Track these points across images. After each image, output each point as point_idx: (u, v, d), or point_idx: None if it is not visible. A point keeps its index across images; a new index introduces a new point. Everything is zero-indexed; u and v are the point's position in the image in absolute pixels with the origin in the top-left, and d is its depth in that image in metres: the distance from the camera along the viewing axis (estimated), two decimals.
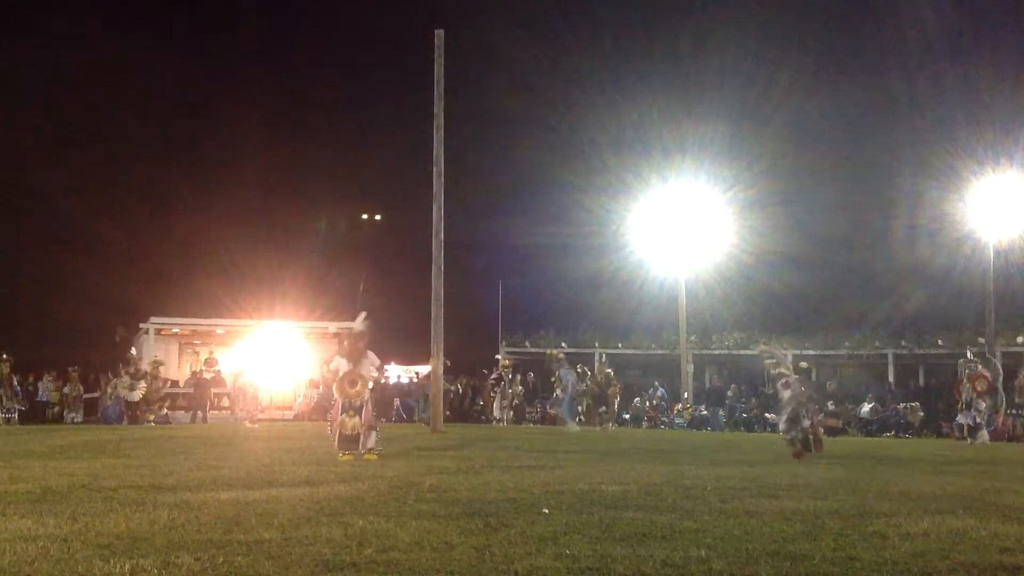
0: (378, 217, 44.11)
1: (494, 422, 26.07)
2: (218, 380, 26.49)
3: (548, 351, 26.31)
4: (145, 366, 24.68)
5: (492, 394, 27.36)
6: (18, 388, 23.10)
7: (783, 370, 12.46)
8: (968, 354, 20.26)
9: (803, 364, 14.07)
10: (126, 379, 23.93)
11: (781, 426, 12.40)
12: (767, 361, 12.79)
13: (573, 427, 21.80)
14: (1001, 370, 19.37)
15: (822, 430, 12.19)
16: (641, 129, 37.80)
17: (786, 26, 44.71)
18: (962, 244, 28.78)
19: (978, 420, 19.25)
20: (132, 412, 23.59)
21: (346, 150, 48.00)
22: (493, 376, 28.40)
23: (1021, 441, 19.55)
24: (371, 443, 11.43)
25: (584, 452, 13.12)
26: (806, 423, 11.96)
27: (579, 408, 23.98)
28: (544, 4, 56.12)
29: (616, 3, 55.66)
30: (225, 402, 26.08)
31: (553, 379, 24.31)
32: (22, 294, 38.24)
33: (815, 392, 13.54)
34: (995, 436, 20.36)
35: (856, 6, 49.05)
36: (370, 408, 11.69)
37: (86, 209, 38.44)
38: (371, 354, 11.82)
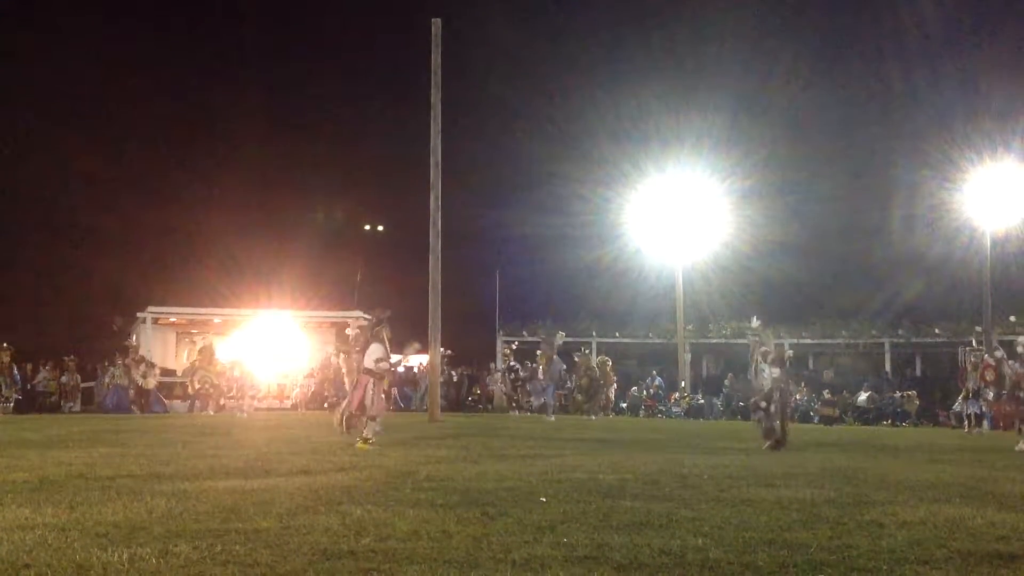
0: (380, 228, 43.96)
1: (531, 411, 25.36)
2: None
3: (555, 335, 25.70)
4: (144, 353, 24.85)
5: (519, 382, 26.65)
6: (17, 377, 23.12)
7: (768, 349, 12.48)
8: (973, 343, 20.26)
9: (790, 352, 14.08)
10: (142, 367, 24.03)
11: (756, 411, 12.40)
12: (752, 339, 12.83)
13: (550, 417, 21.79)
14: (1006, 358, 19.38)
15: (790, 425, 12.25)
16: (639, 119, 37.72)
17: (783, 16, 44.68)
18: (959, 233, 28.77)
19: (984, 409, 19.30)
20: (142, 400, 23.78)
21: (343, 140, 47.88)
22: (502, 366, 28.41)
23: (1008, 429, 19.58)
24: (368, 432, 11.44)
25: (581, 441, 13.14)
26: (775, 413, 11.97)
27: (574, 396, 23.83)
28: None
29: None
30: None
31: (539, 356, 24.09)
32: (19, 284, 38.14)
33: (793, 383, 13.53)
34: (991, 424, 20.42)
35: None
36: (371, 395, 11.68)
37: (83, 199, 38.45)
38: (377, 346, 11.88)
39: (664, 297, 32.59)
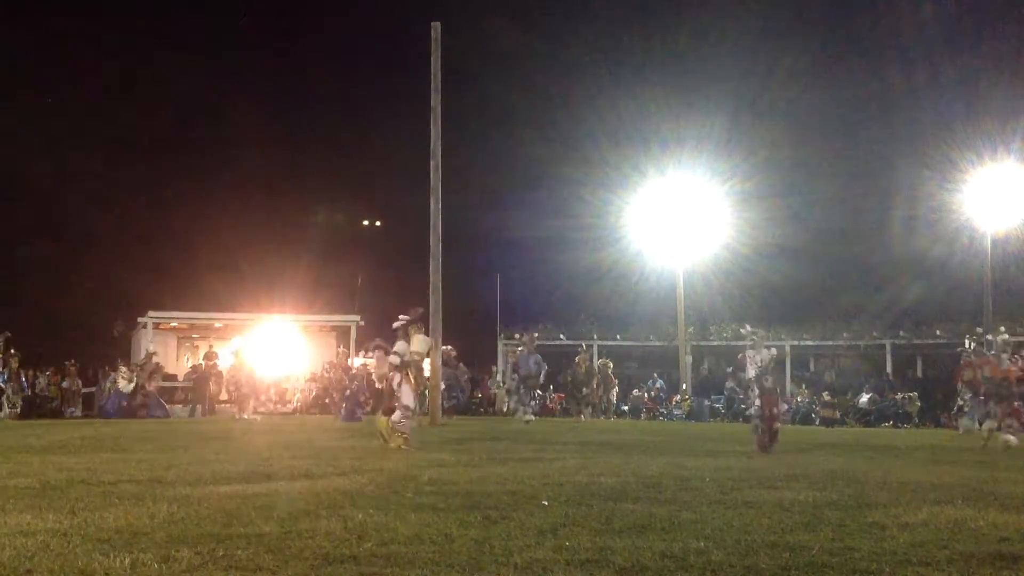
0: (379, 223, 44.04)
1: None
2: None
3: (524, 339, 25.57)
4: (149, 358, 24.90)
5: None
6: (24, 383, 23.21)
7: (755, 340, 12.56)
8: (969, 343, 20.23)
9: (773, 352, 14.13)
10: (123, 370, 24.03)
11: (752, 410, 12.52)
12: (746, 339, 12.97)
13: (527, 415, 21.72)
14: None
15: (779, 425, 12.34)
16: (639, 121, 37.75)
17: (783, 18, 44.61)
18: (960, 235, 28.80)
19: (966, 410, 19.24)
20: (129, 404, 23.79)
21: (344, 144, 47.88)
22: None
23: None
24: (397, 417, 11.61)
25: (583, 444, 13.13)
26: (766, 409, 12.04)
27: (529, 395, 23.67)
28: None
29: None
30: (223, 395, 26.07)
31: (512, 358, 24.09)
32: (21, 289, 38.16)
33: (776, 380, 13.59)
34: None
35: None
36: (404, 389, 11.77)
37: (85, 204, 38.41)
38: (400, 343, 12.02)
39: (665, 299, 32.63)
